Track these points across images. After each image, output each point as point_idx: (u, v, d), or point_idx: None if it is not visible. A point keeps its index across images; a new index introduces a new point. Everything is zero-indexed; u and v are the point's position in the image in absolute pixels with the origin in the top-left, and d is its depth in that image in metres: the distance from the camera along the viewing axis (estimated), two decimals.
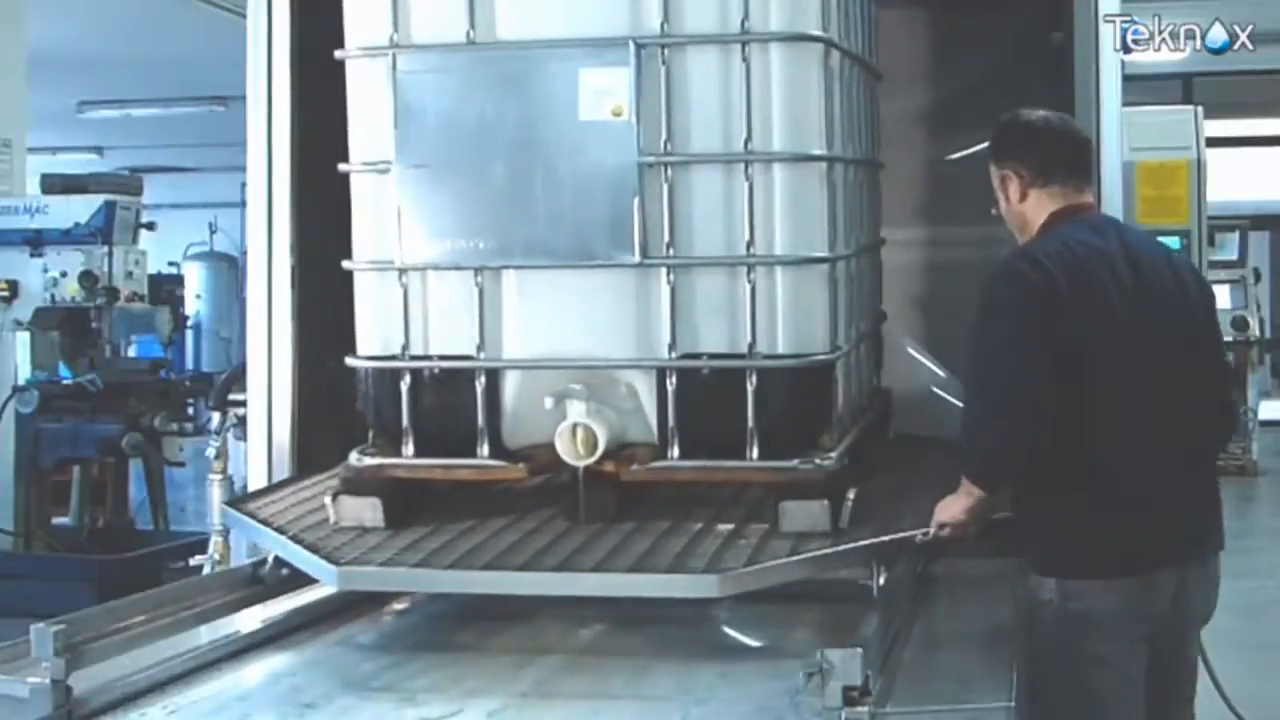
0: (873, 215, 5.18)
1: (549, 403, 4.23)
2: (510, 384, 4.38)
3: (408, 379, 4.40)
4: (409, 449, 4.40)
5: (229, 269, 19.11)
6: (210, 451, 5.89)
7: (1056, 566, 3.84)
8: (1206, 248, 8.88)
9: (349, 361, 4.49)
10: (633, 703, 3.77)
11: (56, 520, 9.63)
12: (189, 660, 3.94)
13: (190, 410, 9.76)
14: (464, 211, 4.32)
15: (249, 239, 5.25)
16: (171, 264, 17.43)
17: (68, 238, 9.29)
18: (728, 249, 4.23)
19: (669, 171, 4.21)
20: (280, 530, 4.36)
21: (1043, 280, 3.77)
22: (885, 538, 4.12)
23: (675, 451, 4.28)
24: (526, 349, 4.37)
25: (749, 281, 4.22)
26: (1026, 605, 3.88)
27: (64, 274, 9.26)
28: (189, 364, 17.38)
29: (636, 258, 4.22)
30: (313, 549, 4.19)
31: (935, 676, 3.70)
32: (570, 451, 4.25)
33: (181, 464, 9.66)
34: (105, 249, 9.29)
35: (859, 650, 3.21)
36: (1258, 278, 15.62)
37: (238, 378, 5.56)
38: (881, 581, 4.09)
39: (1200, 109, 8.60)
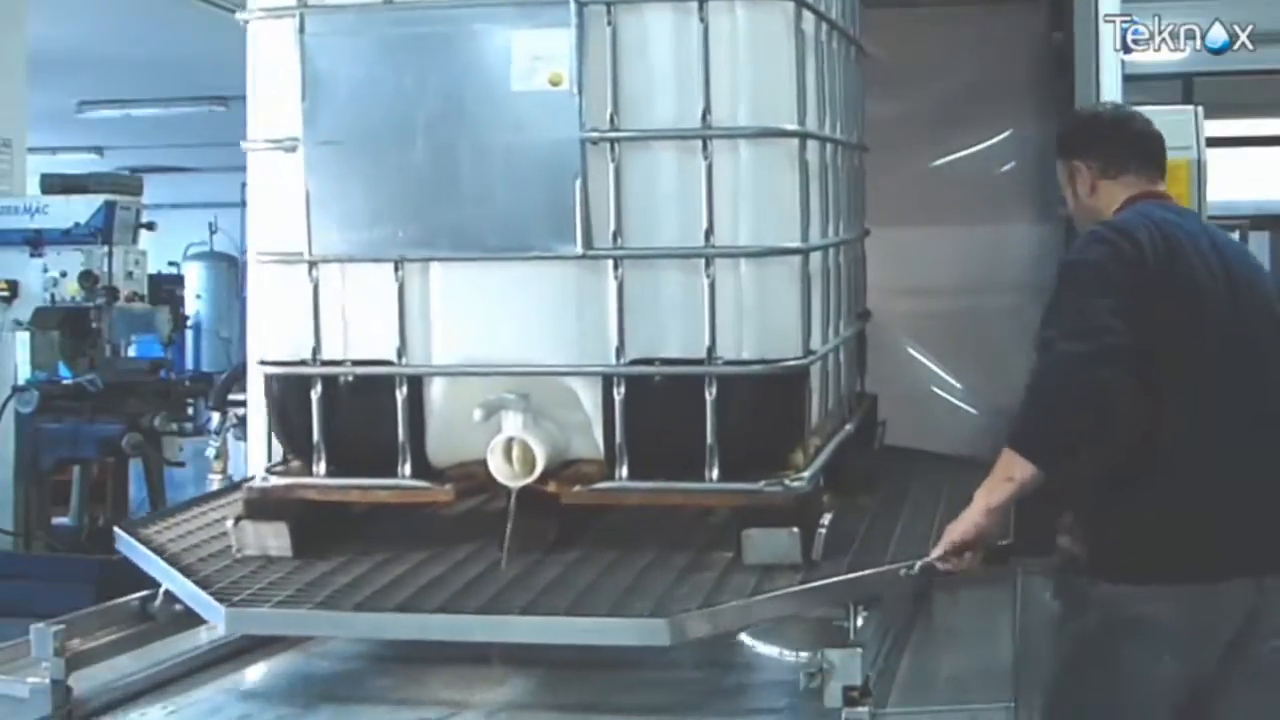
0: (854, 203, 4.49)
1: (478, 414, 3.56)
2: (436, 393, 3.74)
3: (319, 387, 3.75)
4: (321, 467, 3.76)
5: (229, 269, 18.60)
6: (210, 451, 5.74)
7: (1108, 567, 3.41)
8: None
9: (255, 367, 3.80)
10: None
11: (56, 520, 9.36)
12: (189, 660, 3.72)
13: (190, 410, 9.49)
14: (381, 196, 3.67)
15: (249, 239, 4.68)
16: (171, 264, 16.94)
17: (68, 238, 8.98)
18: (684, 239, 3.61)
19: (616, 150, 3.59)
20: (172, 559, 3.68)
21: (1131, 250, 3.37)
22: (864, 572, 3.47)
23: (624, 471, 3.65)
24: (454, 353, 3.72)
25: (708, 276, 3.59)
26: (1070, 608, 3.57)
27: (64, 274, 8.95)
28: (189, 364, 16.87)
29: (579, 249, 3.58)
30: (203, 583, 3.51)
31: (935, 676, 3.53)
32: (504, 470, 3.62)
33: (181, 464, 9.41)
34: (105, 249, 8.96)
35: (859, 650, 3.07)
36: None
37: (238, 378, 5.47)
38: (859, 623, 3.40)
39: (1200, 109, 8.48)
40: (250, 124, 3.81)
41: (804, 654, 3.24)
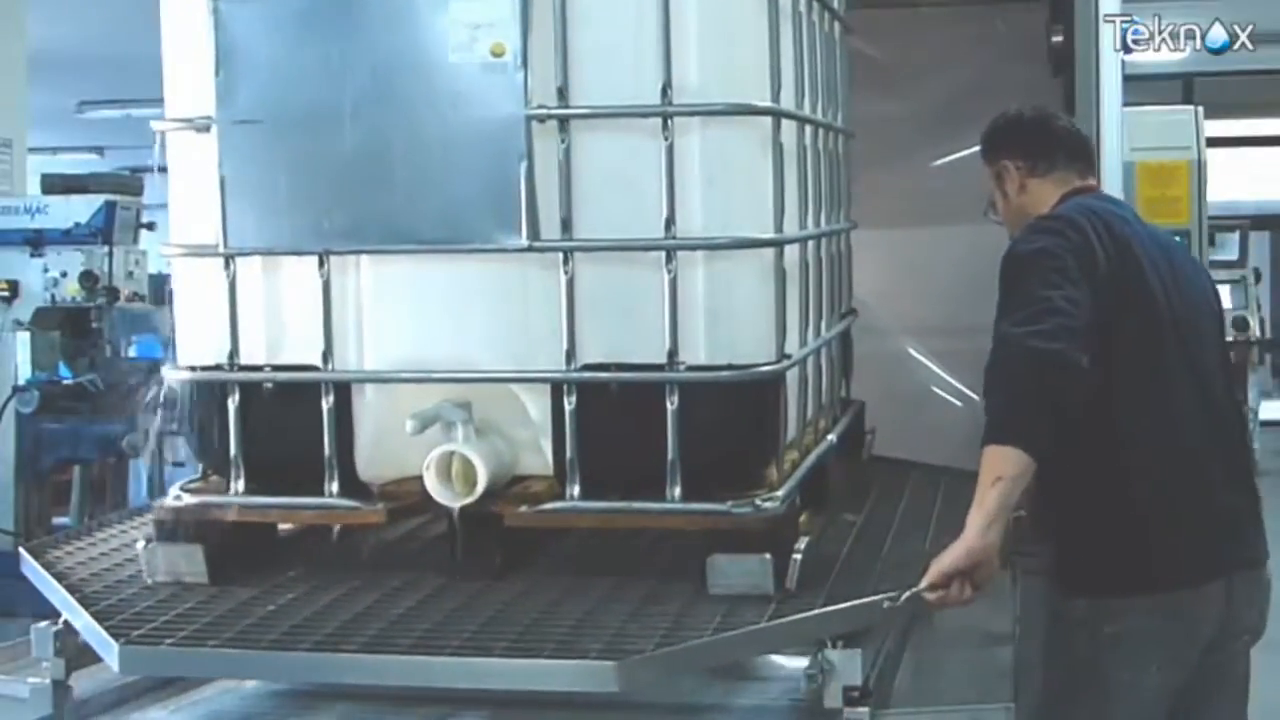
0: (837, 192, 3.96)
1: (411, 426, 3.05)
2: (366, 402, 3.23)
3: (237, 395, 3.25)
4: (240, 485, 3.25)
5: None
6: None
7: (1089, 582, 3.20)
8: (1206, 248, 8.63)
9: (164, 373, 3.31)
10: None
11: (56, 520, 9.03)
12: None
13: None
14: (304, 181, 3.15)
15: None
16: None
17: (68, 238, 8.77)
18: (642, 230, 3.09)
19: (565, 129, 3.07)
20: (75, 586, 3.19)
21: (1078, 238, 3.12)
22: (843, 605, 2.95)
23: (576, 489, 3.14)
24: (386, 357, 3.22)
25: (669, 271, 3.07)
26: (1052, 629, 3.28)
27: (64, 274, 8.73)
28: None
29: (524, 240, 3.06)
30: (102, 615, 2.99)
31: (935, 676, 3.38)
32: (442, 489, 3.11)
33: (182, 464, 8.79)
34: (105, 249, 8.74)
35: (859, 650, 2.88)
36: (1258, 278, 14.92)
37: None
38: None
39: (1200, 109, 8.29)
40: (166, 102, 3.33)
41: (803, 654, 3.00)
